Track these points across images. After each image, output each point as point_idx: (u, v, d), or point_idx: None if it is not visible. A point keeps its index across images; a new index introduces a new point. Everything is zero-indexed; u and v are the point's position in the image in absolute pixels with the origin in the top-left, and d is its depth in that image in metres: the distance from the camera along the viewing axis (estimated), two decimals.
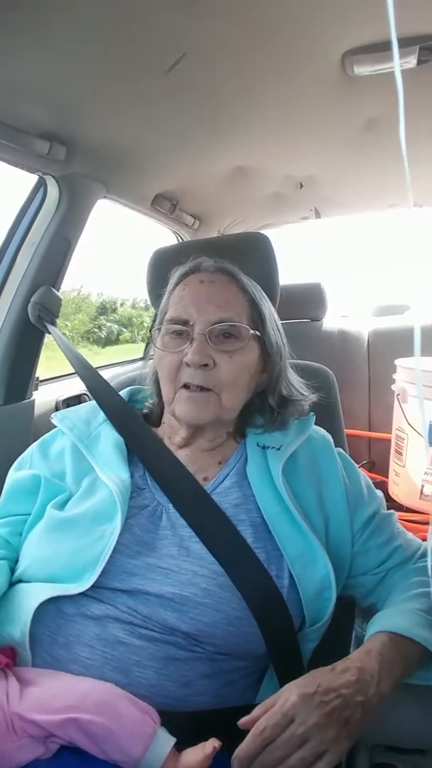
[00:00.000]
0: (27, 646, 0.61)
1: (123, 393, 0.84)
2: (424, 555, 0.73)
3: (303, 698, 0.51)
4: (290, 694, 0.52)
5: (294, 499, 0.70)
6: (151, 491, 0.72)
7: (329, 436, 0.81)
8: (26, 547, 0.70)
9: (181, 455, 0.75)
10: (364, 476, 0.79)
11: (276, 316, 0.80)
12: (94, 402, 0.83)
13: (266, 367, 0.77)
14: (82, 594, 0.62)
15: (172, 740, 0.54)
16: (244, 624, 0.61)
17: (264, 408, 0.79)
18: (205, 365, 0.69)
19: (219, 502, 0.69)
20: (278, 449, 0.74)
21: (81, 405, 0.86)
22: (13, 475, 0.78)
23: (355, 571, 0.73)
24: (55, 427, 0.80)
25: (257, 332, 0.74)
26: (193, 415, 0.71)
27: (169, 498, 0.70)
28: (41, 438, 0.82)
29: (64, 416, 0.79)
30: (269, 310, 0.78)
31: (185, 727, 0.56)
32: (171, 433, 0.78)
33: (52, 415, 0.80)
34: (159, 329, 0.76)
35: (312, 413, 0.81)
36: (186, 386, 0.71)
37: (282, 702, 0.51)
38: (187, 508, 0.68)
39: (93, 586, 0.62)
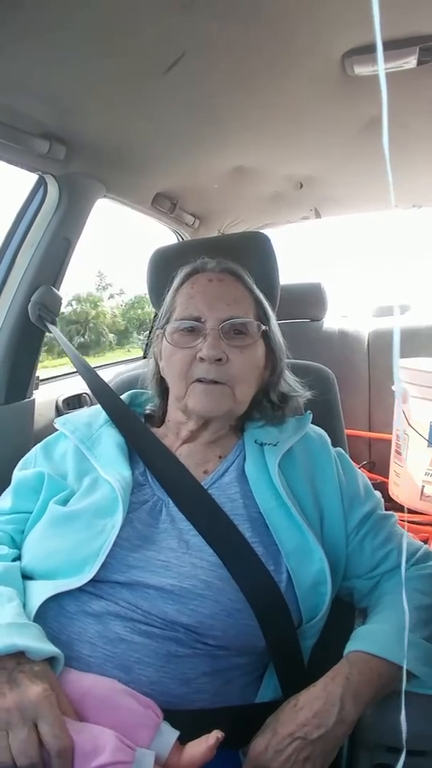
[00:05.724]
0: None
1: (124, 397, 0.86)
2: (419, 561, 0.73)
3: (257, 756, 0.55)
4: (251, 750, 0.56)
5: (290, 493, 0.70)
6: (151, 487, 0.73)
7: (326, 435, 0.82)
8: (28, 543, 0.71)
9: (183, 449, 0.77)
10: (362, 476, 0.79)
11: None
12: (94, 407, 0.86)
13: (269, 363, 0.80)
14: (83, 590, 0.62)
15: (176, 733, 0.54)
16: (243, 616, 0.62)
17: (263, 403, 0.81)
18: (219, 360, 0.72)
19: (218, 497, 0.70)
20: (275, 445, 0.75)
21: (83, 409, 0.89)
22: (18, 473, 0.80)
23: (350, 572, 0.73)
24: (57, 428, 0.82)
25: (266, 328, 0.77)
26: (209, 408, 0.73)
27: (168, 493, 0.70)
28: (45, 440, 0.84)
29: (67, 420, 0.82)
30: (270, 310, 0.81)
31: (185, 725, 0.56)
32: (176, 428, 0.80)
33: (55, 420, 0.82)
34: (164, 328, 0.78)
35: (309, 412, 0.83)
36: (200, 380, 0.73)
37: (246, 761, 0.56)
38: (185, 502, 0.69)
39: (94, 581, 0.62)
